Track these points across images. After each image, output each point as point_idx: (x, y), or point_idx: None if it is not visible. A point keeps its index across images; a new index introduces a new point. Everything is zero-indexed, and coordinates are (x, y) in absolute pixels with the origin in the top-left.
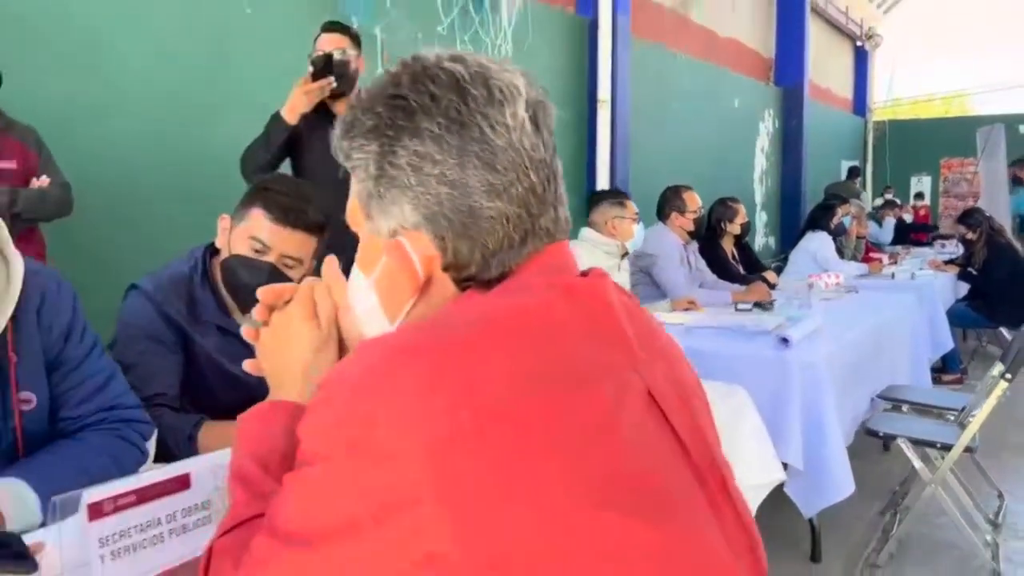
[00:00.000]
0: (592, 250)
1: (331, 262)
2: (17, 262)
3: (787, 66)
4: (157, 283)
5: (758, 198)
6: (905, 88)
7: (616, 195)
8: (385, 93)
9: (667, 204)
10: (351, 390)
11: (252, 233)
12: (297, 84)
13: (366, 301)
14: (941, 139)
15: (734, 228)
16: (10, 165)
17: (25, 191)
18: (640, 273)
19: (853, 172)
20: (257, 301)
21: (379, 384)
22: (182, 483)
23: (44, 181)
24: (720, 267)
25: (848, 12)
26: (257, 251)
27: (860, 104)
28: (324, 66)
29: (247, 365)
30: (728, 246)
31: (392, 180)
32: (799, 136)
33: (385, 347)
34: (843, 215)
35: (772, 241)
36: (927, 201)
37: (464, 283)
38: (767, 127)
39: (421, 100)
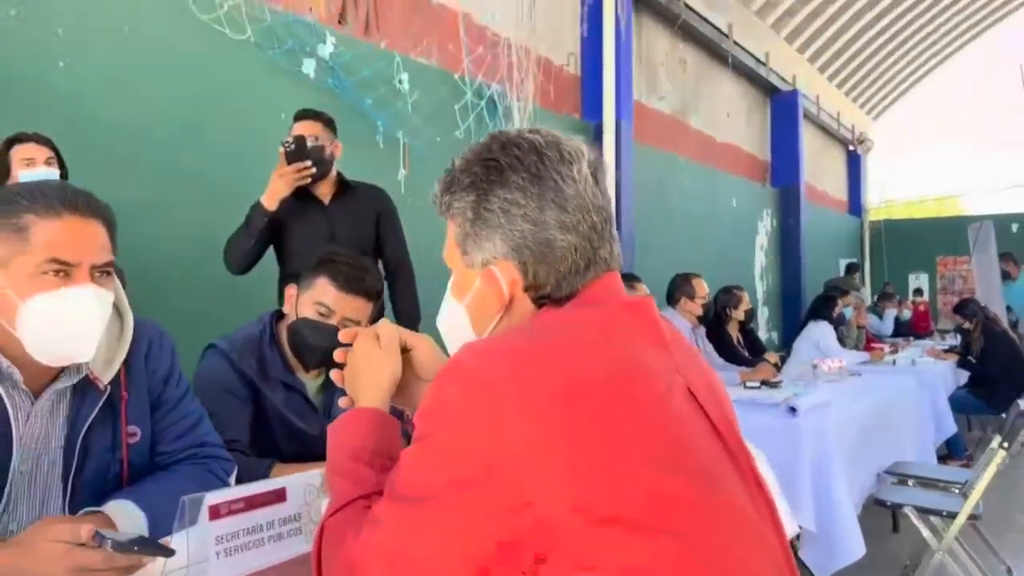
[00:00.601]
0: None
1: (390, 328)
2: (129, 315)
3: (783, 168)
4: (232, 343)
5: (759, 294)
6: (899, 189)
7: (627, 278)
8: (480, 157)
9: (677, 290)
10: (461, 380)
11: (318, 299)
12: (274, 171)
13: (455, 321)
14: (936, 238)
15: (738, 314)
16: None
17: None
18: None
19: (851, 268)
20: (321, 360)
21: (486, 375)
22: (279, 496)
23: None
24: (727, 351)
25: (840, 118)
26: (322, 315)
27: (855, 205)
28: (298, 150)
29: (334, 375)
30: (733, 332)
31: (486, 221)
32: (797, 235)
33: (488, 347)
34: (844, 306)
35: (775, 336)
36: (926, 298)
37: (540, 301)
38: (765, 226)
39: (509, 160)
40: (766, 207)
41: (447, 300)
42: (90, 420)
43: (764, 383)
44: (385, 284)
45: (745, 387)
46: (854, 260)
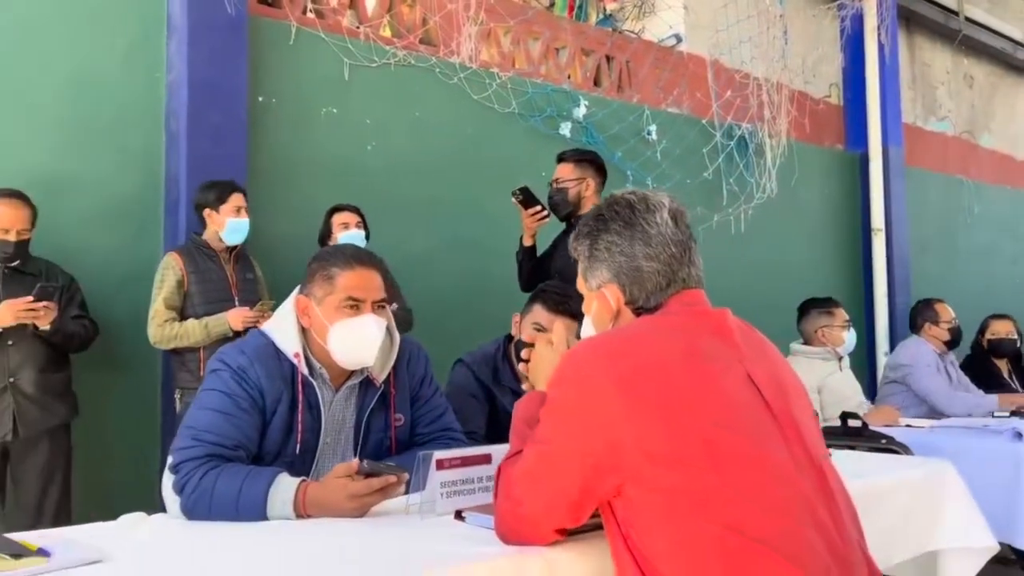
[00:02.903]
0: (811, 361)
1: (560, 329)
2: (396, 335)
3: None
4: (474, 358)
5: None
6: None
7: (825, 303)
8: (593, 215)
9: (919, 316)
10: (570, 362)
11: (534, 320)
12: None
13: (586, 328)
14: None
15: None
16: None
17: None
18: (894, 384)
19: None
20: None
21: (585, 359)
22: (486, 459)
23: (394, 307)
24: (992, 383)
25: None
26: (537, 331)
27: None
28: (526, 198)
29: (521, 367)
30: (1001, 363)
31: (596, 258)
32: None
33: (590, 341)
34: None
35: None
36: None
37: (638, 312)
38: None
39: (610, 214)
40: None
41: (585, 312)
42: (370, 408)
43: (1015, 413)
44: None
45: (994, 415)
46: None
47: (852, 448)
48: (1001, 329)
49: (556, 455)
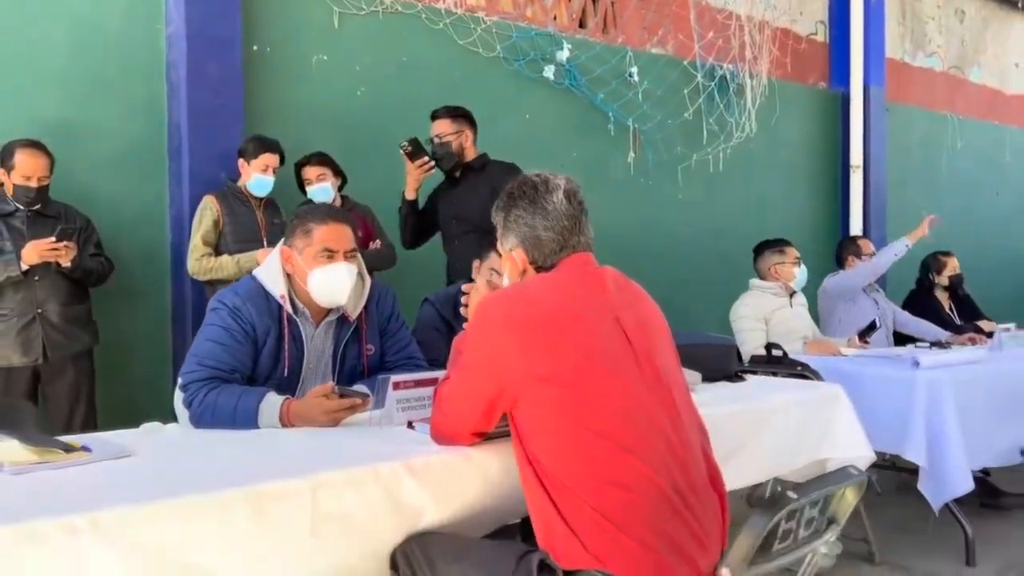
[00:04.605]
0: (760, 295)
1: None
2: (367, 278)
3: None
4: (438, 297)
5: None
6: None
7: (777, 243)
8: (507, 193)
9: (844, 250)
10: (480, 309)
11: (491, 266)
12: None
13: (504, 280)
14: None
15: (942, 280)
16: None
17: (366, 251)
18: (829, 312)
19: None
20: None
21: (490, 307)
22: (434, 381)
23: (378, 244)
24: (933, 317)
25: None
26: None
27: None
28: (415, 150)
29: (463, 310)
30: (943, 298)
31: (508, 228)
32: None
33: (495, 293)
34: None
35: None
36: None
37: (538, 270)
38: None
39: (519, 193)
40: None
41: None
42: (345, 340)
43: (935, 343)
44: None
45: (916, 346)
46: None
47: (774, 374)
48: (955, 265)
49: (471, 378)
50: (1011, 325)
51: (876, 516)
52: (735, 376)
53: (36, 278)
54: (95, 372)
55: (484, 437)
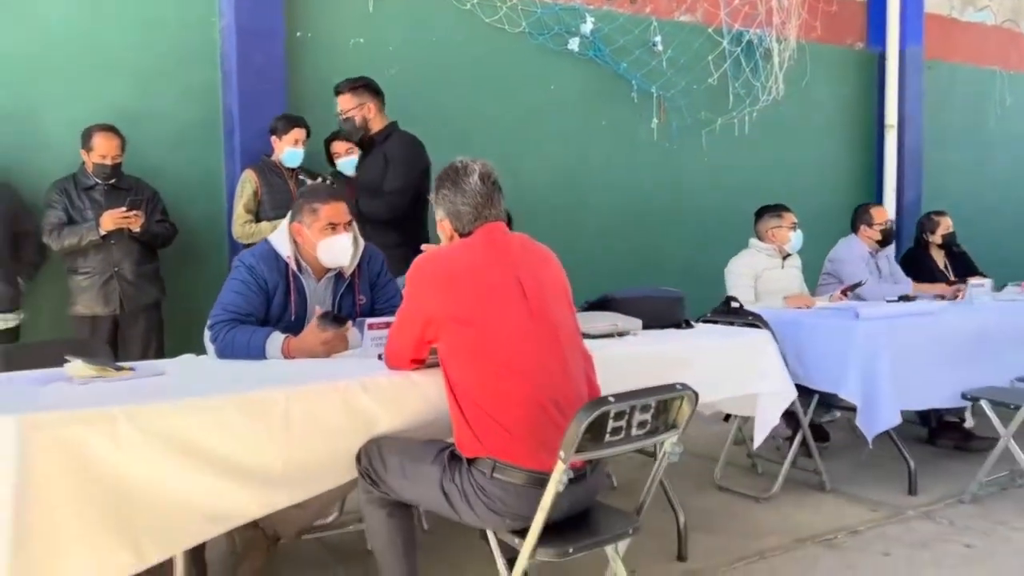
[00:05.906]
0: (755, 255)
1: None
2: (361, 241)
3: None
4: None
5: None
6: None
7: (776, 208)
8: (440, 175)
9: (857, 219)
10: (416, 265)
11: None
12: None
13: (438, 245)
14: None
15: (936, 239)
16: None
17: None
18: (828, 275)
19: None
20: None
21: (421, 265)
22: None
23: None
24: (928, 273)
25: None
26: None
27: None
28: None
29: None
30: (938, 256)
31: (439, 203)
32: None
33: (427, 254)
34: None
35: None
36: None
37: (460, 236)
38: None
39: (445, 176)
40: None
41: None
42: (341, 292)
43: (903, 297)
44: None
45: (887, 300)
46: None
47: (731, 323)
48: (948, 224)
49: (406, 318)
50: (985, 281)
51: (834, 453)
52: (685, 324)
53: (112, 241)
54: (163, 321)
55: (423, 364)
